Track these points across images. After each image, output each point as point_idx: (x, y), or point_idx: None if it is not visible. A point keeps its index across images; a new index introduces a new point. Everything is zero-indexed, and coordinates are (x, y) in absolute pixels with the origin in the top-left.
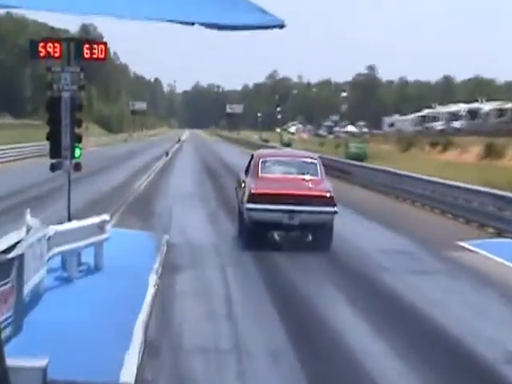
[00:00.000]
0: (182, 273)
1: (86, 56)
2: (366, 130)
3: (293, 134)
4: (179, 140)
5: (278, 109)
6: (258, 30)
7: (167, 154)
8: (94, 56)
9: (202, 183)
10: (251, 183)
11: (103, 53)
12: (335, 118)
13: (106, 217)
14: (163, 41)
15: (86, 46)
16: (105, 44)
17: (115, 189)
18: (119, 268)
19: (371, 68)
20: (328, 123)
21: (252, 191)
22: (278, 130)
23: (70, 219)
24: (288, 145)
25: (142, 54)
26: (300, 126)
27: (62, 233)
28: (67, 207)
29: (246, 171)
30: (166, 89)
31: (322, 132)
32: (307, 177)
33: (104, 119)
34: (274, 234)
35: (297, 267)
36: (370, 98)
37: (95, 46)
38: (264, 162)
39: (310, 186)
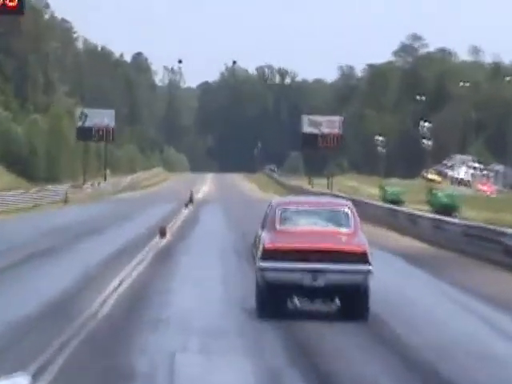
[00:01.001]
0: None
1: None
2: None
3: (463, 183)
4: (191, 200)
5: (425, 124)
6: None
7: (162, 234)
8: None
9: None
10: (266, 237)
11: None
12: None
13: (22, 381)
14: None
15: None
16: None
17: (48, 310)
18: None
19: None
20: None
21: (266, 246)
22: (430, 174)
23: None
24: (452, 208)
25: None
26: (477, 166)
27: None
28: None
29: (263, 225)
30: (159, 78)
31: None
32: (336, 229)
33: (16, 151)
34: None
35: None
36: None
37: None
38: (283, 212)
39: (338, 239)
